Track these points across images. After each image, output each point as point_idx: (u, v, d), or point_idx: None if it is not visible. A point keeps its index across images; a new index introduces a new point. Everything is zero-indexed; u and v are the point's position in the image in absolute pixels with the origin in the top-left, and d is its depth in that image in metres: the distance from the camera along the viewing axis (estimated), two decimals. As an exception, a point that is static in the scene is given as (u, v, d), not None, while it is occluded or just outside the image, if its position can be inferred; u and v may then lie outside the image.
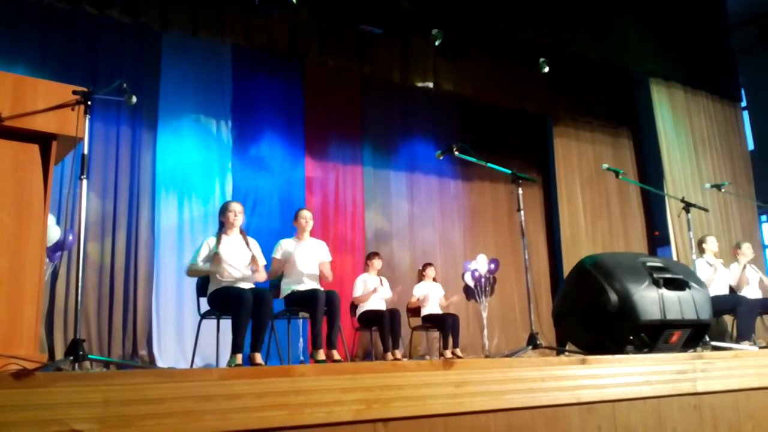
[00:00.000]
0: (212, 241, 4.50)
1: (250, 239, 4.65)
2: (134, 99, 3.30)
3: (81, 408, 1.55)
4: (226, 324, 4.39)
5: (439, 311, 7.00)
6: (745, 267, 6.28)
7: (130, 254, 6.61)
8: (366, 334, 6.83)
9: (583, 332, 3.35)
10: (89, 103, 2.88)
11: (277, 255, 5.03)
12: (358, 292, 6.41)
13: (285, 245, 5.07)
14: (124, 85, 3.25)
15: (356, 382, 1.94)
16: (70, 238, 5.85)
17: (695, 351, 3.25)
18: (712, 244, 6.36)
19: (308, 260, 5.03)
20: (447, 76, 7.65)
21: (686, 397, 2.65)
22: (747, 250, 6.37)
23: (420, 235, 8.70)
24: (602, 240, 8.96)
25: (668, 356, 2.79)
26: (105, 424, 1.56)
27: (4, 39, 6.25)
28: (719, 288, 6.11)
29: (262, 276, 4.65)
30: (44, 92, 2.77)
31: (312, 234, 5.24)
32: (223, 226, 4.59)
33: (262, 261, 4.64)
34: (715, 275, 6.07)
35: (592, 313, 3.23)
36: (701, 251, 6.33)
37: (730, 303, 5.96)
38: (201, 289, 4.71)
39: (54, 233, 5.67)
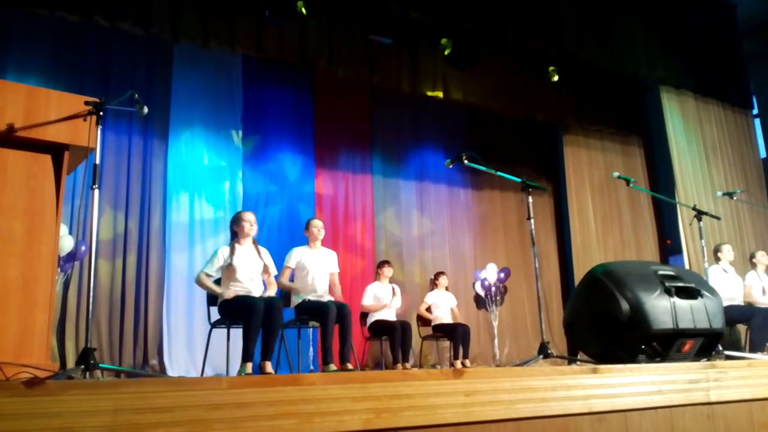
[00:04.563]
0: (226, 250, 4.51)
1: (262, 249, 4.67)
2: (146, 109, 3.32)
3: (91, 416, 1.55)
4: (237, 333, 4.39)
5: (450, 321, 6.98)
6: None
7: (141, 264, 6.64)
8: (376, 343, 6.81)
9: (594, 341, 3.33)
10: (101, 113, 2.90)
11: (290, 263, 5.04)
12: (367, 300, 6.41)
13: (297, 253, 5.09)
14: (136, 95, 3.28)
15: (366, 391, 1.94)
16: (83, 248, 5.90)
17: (708, 360, 3.22)
18: (728, 252, 6.31)
19: (320, 269, 5.05)
20: (456, 85, 7.66)
21: (699, 406, 2.62)
22: (762, 258, 6.33)
23: (430, 244, 8.69)
24: (613, 248, 8.91)
25: (681, 365, 2.76)
26: (115, 432, 1.57)
27: (17, 51, 6.32)
28: (733, 297, 6.05)
29: (273, 290, 4.65)
30: (57, 103, 2.80)
31: (322, 243, 5.26)
32: (236, 236, 4.60)
33: (273, 271, 4.66)
34: (733, 291, 6.03)
35: (603, 322, 3.21)
36: (717, 260, 6.28)
37: (744, 313, 5.91)
38: (211, 299, 4.72)
39: (67, 243, 5.71)
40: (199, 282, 4.52)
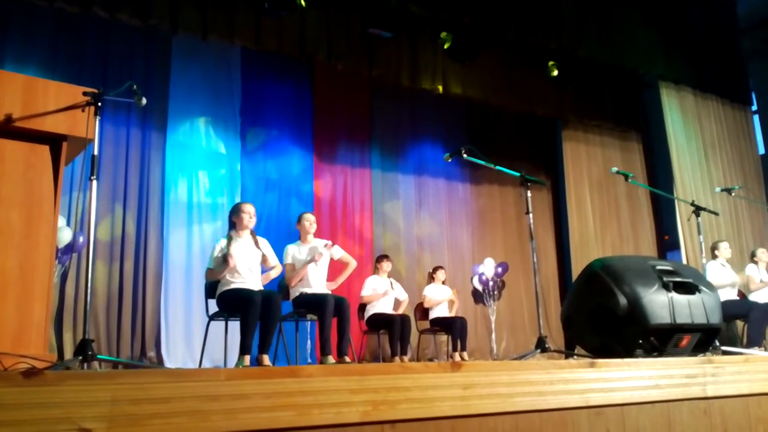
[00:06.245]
0: (223, 242, 4.52)
1: (260, 239, 4.67)
2: (144, 101, 3.31)
3: (89, 407, 1.55)
4: (235, 325, 4.39)
5: (447, 314, 6.98)
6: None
7: (139, 256, 6.64)
8: (373, 337, 6.82)
9: (591, 336, 3.33)
10: (99, 104, 2.89)
11: (288, 260, 5.04)
12: (366, 291, 6.41)
13: (292, 250, 5.10)
14: (134, 86, 3.27)
15: (364, 383, 1.93)
16: (81, 240, 5.89)
17: (705, 355, 3.23)
18: (725, 250, 6.32)
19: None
20: (455, 79, 7.65)
21: (696, 401, 2.63)
22: (762, 255, 6.35)
23: (428, 238, 8.69)
24: (611, 243, 8.93)
25: (678, 360, 2.77)
26: (113, 422, 1.56)
27: (16, 41, 6.30)
28: (730, 292, 6.07)
29: (277, 270, 4.71)
30: (55, 93, 2.78)
31: (317, 236, 5.27)
32: (234, 227, 4.60)
33: (273, 260, 4.67)
34: (730, 280, 6.05)
35: (601, 317, 3.20)
36: (713, 257, 6.30)
37: (742, 308, 5.93)
38: (209, 291, 4.72)
39: (65, 235, 5.70)
40: (208, 276, 4.53)
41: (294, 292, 5.01)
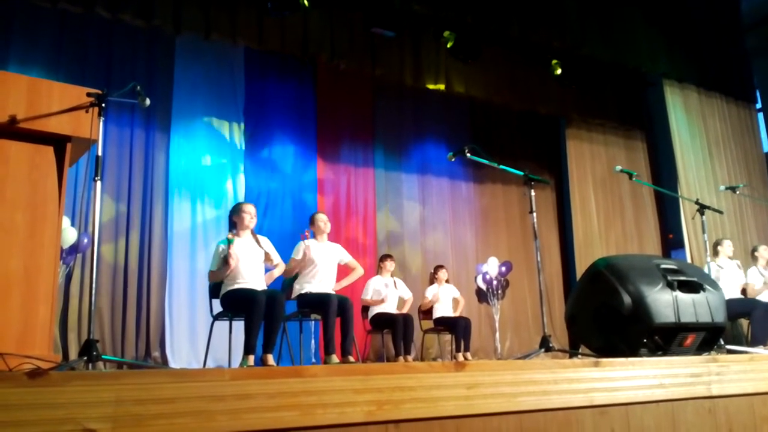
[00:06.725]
0: (225, 244, 4.52)
1: (261, 237, 4.67)
2: (147, 101, 3.31)
3: (94, 407, 1.55)
4: (239, 325, 4.40)
5: (451, 314, 6.98)
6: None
7: (144, 256, 6.65)
8: (377, 336, 6.82)
9: (596, 335, 3.33)
10: (103, 105, 2.89)
11: (298, 256, 5.03)
12: (368, 294, 6.43)
13: (306, 246, 5.09)
14: (138, 87, 3.27)
15: (368, 383, 1.93)
16: (85, 241, 5.90)
17: (710, 354, 3.22)
18: (727, 248, 6.31)
19: (327, 262, 5.07)
20: (459, 78, 7.64)
21: (701, 400, 2.62)
22: (764, 252, 6.33)
23: (431, 237, 8.69)
24: (615, 242, 8.91)
25: (682, 359, 2.76)
26: (118, 423, 1.57)
27: (19, 43, 6.32)
28: (733, 291, 6.05)
29: (280, 269, 4.72)
30: (59, 94, 2.79)
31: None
32: (234, 227, 4.60)
33: (276, 258, 4.67)
34: (724, 278, 6.03)
35: (605, 316, 3.20)
36: (716, 254, 6.28)
37: (745, 306, 5.91)
38: (214, 291, 4.72)
39: (70, 236, 5.71)
40: (211, 278, 4.53)
41: (297, 291, 5.01)
